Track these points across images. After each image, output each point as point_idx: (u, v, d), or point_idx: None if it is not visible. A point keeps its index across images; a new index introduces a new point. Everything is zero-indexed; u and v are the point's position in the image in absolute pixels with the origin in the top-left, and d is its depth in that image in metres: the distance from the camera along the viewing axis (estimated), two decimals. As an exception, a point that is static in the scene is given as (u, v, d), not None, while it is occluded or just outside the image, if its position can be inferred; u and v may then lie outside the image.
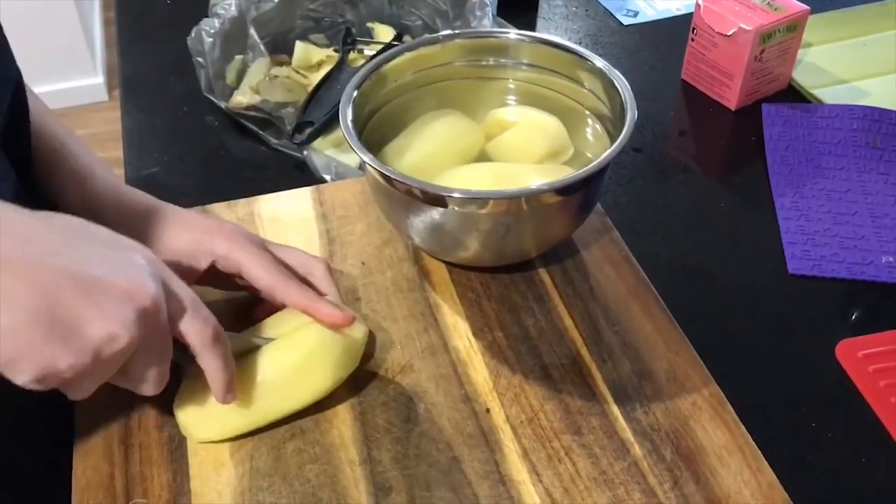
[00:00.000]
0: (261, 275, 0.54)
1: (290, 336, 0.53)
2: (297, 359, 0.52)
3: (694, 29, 0.87)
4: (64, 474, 0.52)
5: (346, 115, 0.60)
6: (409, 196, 0.57)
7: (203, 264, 0.55)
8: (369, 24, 0.92)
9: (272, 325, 0.55)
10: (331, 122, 0.80)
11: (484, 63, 0.69)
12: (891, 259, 0.70)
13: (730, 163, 0.83)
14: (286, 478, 0.51)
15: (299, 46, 0.89)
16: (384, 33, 0.91)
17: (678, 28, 0.96)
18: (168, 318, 0.46)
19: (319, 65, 0.88)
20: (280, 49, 0.90)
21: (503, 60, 0.69)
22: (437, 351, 0.58)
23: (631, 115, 0.59)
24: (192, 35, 0.86)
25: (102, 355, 0.42)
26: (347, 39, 0.89)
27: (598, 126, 0.66)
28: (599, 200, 0.68)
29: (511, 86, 0.70)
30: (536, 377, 0.57)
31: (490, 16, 0.87)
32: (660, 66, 0.94)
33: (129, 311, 0.42)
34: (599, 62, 0.64)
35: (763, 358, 0.63)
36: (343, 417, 0.54)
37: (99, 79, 2.44)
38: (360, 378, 0.55)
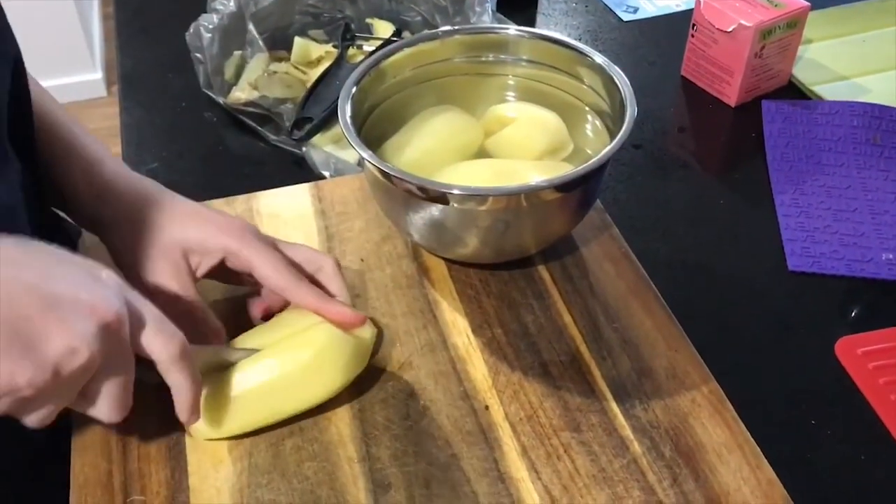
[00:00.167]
0: (271, 274, 0.54)
1: (299, 335, 0.53)
2: (306, 358, 0.52)
3: (694, 25, 0.87)
4: (62, 471, 0.52)
5: (345, 111, 0.60)
6: (408, 193, 0.57)
7: (214, 260, 0.55)
8: (368, 20, 0.92)
9: (279, 325, 0.55)
10: (330, 118, 0.80)
11: (483, 59, 0.69)
12: (891, 256, 0.70)
13: (730, 159, 0.83)
14: (285, 475, 0.51)
15: (298, 42, 0.89)
16: (383, 29, 0.91)
17: (678, 24, 0.96)
18: (133, 334, 0.45)
19: (318, 61, 0.88)
20: (279, 45, 0.90)
21: (503, 56, 0.69)
22: (436, 348, 0.58)
23: (631, 111, 0.59)
24: (191, 31, 0.86)
25: (63, 371, 0.41)
26: (346, 35, 0.89)
27: (597, 122, 0.66)
28: (599, 197, 0.68)
29: (510, 82, 0.70)
30: (535, 374, 0.57)
31: (489, 12, 0.87)
32: (660, 62, 0.94)
33: (90, 325, 0.41)
34: (599, 58, 0.64)
35: (763, 355, 0.63)
36: (342, 415, 0.54)
37: (97, 74, 2.43)
38: (359, 375, 0.55)
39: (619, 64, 0.63)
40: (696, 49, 0.88)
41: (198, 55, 0.85)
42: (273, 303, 0.58)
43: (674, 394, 0.55)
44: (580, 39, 0.94)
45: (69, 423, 0.54)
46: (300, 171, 0.78)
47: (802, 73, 0.89)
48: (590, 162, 0.56)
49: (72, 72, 2.37)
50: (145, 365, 0.46)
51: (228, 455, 0.52)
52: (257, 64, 0.86)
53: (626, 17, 1.00)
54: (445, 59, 0.69)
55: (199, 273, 0.55)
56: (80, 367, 0.41)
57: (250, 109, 0.82)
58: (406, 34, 0.91)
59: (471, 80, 0.70)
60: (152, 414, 0.54)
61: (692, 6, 0.88)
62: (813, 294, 0.68)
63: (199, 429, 0.52)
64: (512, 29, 0.68)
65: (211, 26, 0.86)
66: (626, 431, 0.53)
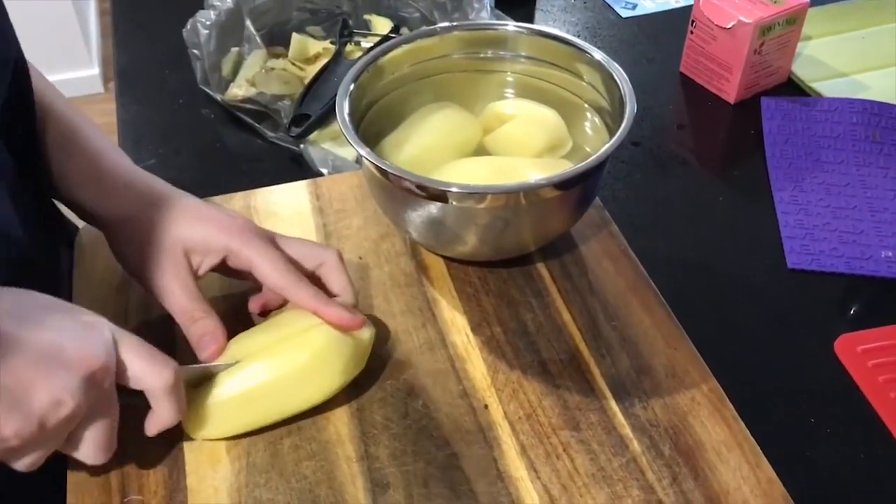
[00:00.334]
0: (270, 274, 0.54)
1: (297, 337, 0.53)
2: (303, 360, 0.52)
3: (693, 22, 0.87)
4: (59, 470, 0.52)
5: (343, 107, 0.60)
6: (406, 190, 0.57)
7: (216, 260, 0.55)
8: (366, 16, 0.91)
9: (277, 325, 0.54)
10: (328, 115, 0.79)
11: (482, 55, 0.69)
12: (890, 254, 0.70)
13: (729, 157, 0.83)
14: (283, 474, 0.51)
15: (296, 38, 0.88)
16: (381, 25, 0.90)
17: (677, 21, 0.96)
18: (122, 371, 0.46)
19: (316, 57, 0.88)
20: (276, 41, 0.89)
21: (501, 53, 0.69)
22: (434, 346, 0.58)
23: (630, 108, 0.59)
24: (188, 27, 0.86)
25: (48, 422, 0.42)
26: (344, 31, 0.89)
27: (596, 119, 0.66)
28: (598, 194, 0.68)
29: (509, 78, 0.70)
30: (535, 372, 0.57)
31: (488, 8, 0.87)
32: (658, 59, 0.93)
33: (75, 377, 0.42)
34: (598, 55, 0.63)
35: (762, 353, 0.63)
36: (340, 414, 0.54)
37: (94, 70, 2.42)
38: (358, 374, 0.55)
39: (617, 61, 0.63)
40: (695, 46, 0.88)
41: (195, 51, 0.85)
42: (271, 300, 0.57)
43: (673, 392, 0.55)
44: (578, 36, 0.94)
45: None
46: (298, 168, 0.78)
47: (802, 70, 0.89)
48: (589, 159, 0.56)
49: (68, 68, 2.36)
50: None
51: (226, 454, 0.52)
52: (255, 60, 0.86)
53: (624, 13, 1.00)
54: (444, 56, 0.68)
55: (201, 272, 0.55)
56: (65, 418, 0.42)
57: (248, 106, 0.81)
58: (404, 31, 0.90)
59: (469, 77, 0.69)
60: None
61: (691, 2, 0.88)
62: (812, 292, 0.67)
63: (198, 430, 0.52)
64: (510, 25, 0.68)
65: (208, 22, 0.85)
66: (626, 430, 0.53)
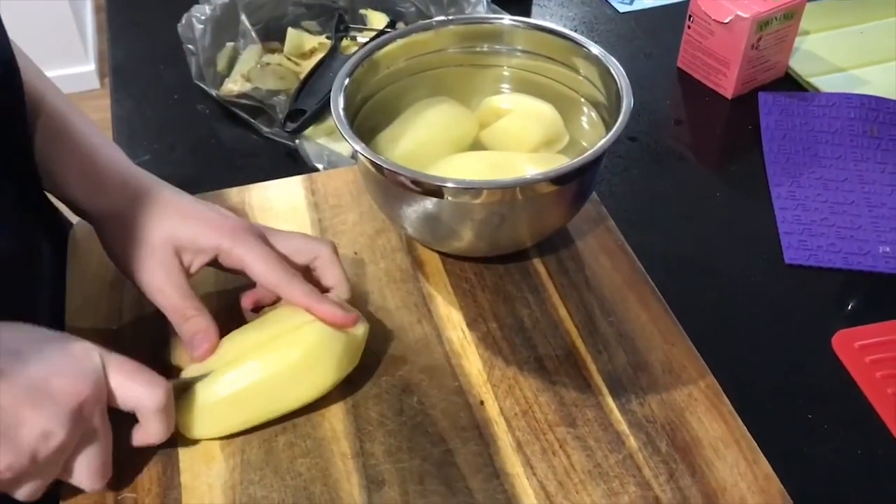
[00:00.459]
0: (263, 272, 0.53)
1: (289, 334, 0.52)
2: (295, 357, 0.51)
3: (690, 16, 0.86)
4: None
5: (338, 102, 0.60)
6: (401, 186, 0.56)
7: (207, 258, 0.54)
8: (362, 11, 0.91)
9: (270, 322, 0.54)
10: (323, 110, 0.79)
11: (478, 50, 0.68)
12: (887, 249, 0.70)
13: (726, 152, 0.83)
14: (278, 471, 0.51)
15: (291, 33, 0.88)
16: (377, 20, 0.90)
17: (674, 15, 0.95)
18: (113, 395, 0.47)
19: (312, 52, 0.87)
20: (272, 36, 0.89)
21: (497, 47, 0.68)
22: (430, 342, 0.58)
23: (627, 102, 0.58)
24: (183, 22, 0.85)
25: (39, 454, 0.43)
26: (340, 26, 0.88)
27: (593, 114, 0.66)
28: (594, 190, 0.67)
29: (505, 73, 0.69)
30: (531, 369, 0.56)
31: (484, 2, 0.87)
32: (656, 53, 0.93)
33: (64, 408, 0.43)
34: (595, 49, 0.63)
35: (759, 349, 0.63)
36: (335, 410, 0.54)
37: (90, 66, 2.42)
38: (353, 370, 0.55)
39: (614, 55, 0.62)
40: (693, 40, 0.87)
41: (190, 46, 0.84)
42: (264, 296, 0.57)
43: (670, 388, 0.55)
44: (575, 30, 0.94)
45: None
46: (293, 163, 0.77)
47: (799, 65, 0.89)
48: (585, 154, 0.56)
49: (65, 64, 2.36)
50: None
51: (220, 452, 0.52)
52: (250, 55, 0.85)
53: (621, 8, 1.00)
54: (439, 50, 0.68)
55: (193, 269, 0.55)
56: (55, 450, 0.43)
57: (243, 101, 0.81)
58: (400, 25, 0.90)
59: (465, 72, 0.69)
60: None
61: (689, -3, 0.88)
62: (810, 287, 0.67)
63: (191, 430, 0.51)
64: (507, 19, 0.67)
65: (203, 17, 0.85)
66: (622, 426, 0.53)
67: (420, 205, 0.57)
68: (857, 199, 0.74)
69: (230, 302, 0.58)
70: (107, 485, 0.49)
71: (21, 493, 0.45)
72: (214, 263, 0.56)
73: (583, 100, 0.66)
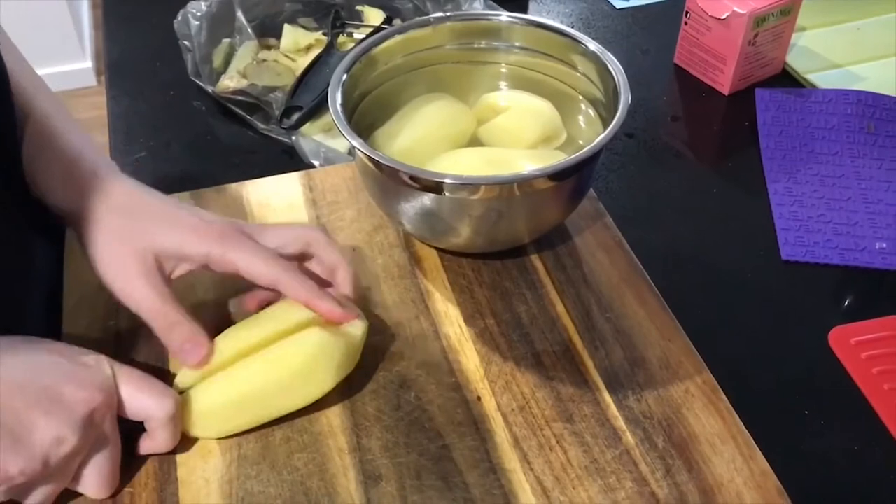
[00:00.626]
0: (260, 272, 0.52)
1: (289, 338, 0.52)
2: (297, 364, 0.51)
3: (687, 13, 0.86)
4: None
5: (336, 98, 0.59)
6: (399, 182, 0.56)
7: (193, 266, 0.53)
8: (359, 7, 0.91)
9: (269, 318, 0.54)
10: (319, 106, 0.79)
11: (476, 46, 0.68)
12: (884, 245, 0.70)
13: (723, 148, 0.83)
14: (274, 466, 0.51)
15: (288, 30, 0.88)
16: (374, 16, 0.90)
17: (671, 12, 0.95)
18: (122, 405, 0.48)
19: (308, 48, 0.87)
20: (268, 32, 0.89)
21: (495, 43, 0.68)
22: (427, 338, 0.58)
23: (625, 99, 0.58)
24: (179, 18, 0.85)
25: (51, 459, 0.44)
26: (336, 23, 0.88)
27: (591, 111, 0.66)
28: (592, 186, 0.67)
29: (503, 69, 0.69)
30: (528, 364, 0.56)
31: (481, -1, 0.86)
32: (652, 50, 0.93)
33: (75, 415, 0.45)
34: (593, 45, 0.63)
35: (756, 345, 0.63)
36: (332, 406, 0.54)
37: (87, 63, 2.41)
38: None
39: (611, 52, 0.62)
40: (690, 37, 0.87)
41: (186, 43, 0.84)
42: (267, 297, 0.56)
43: (667, 384, 0.55)
44: (572, 27, 0.93)
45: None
46: (290, 160, 0.77)
47: (796, 61, 0.89)
48: (583, 150, 0.56)
49: (61, 61, 2.35)
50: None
51: (217, 446, 0.52)
52: (246, 52, 0.85)
53: (618, 4, 1.00)
54: (437, 47, 0.68)
55: (175, 276, 0.54)
56: (67, 455, 0.45)
57: (239, 98, 0.81)
58: (396, 21, 0.90)
59: (463, 68, 0.69)
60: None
61: (685, -7, 0.88)
62: (806, 283, 0.67)
63: (192, 430, 0.51)
64: (504, 15, 0.67)
65: (199, 14, 0.85)
66: (619, 422, 0.53)
67: (418, 201, 0.57)
68: (853, 196, 0.74)
69: (216, 314, 0.58)
70: (115, 492, 0.49)
71: (32, 500, 0.46)
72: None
73: (580, 96, 0.66)
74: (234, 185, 0.69)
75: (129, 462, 0.50)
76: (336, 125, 0.58)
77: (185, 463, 0.51)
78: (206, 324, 0.52)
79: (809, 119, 0.81)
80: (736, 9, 0.81)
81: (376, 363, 0.56)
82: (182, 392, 0.51)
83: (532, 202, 0.58)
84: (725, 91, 0.86)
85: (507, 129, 0.66)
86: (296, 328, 0.52)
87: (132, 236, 0.53)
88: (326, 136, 0.78)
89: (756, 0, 0.81)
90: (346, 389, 0.54)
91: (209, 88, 0.82)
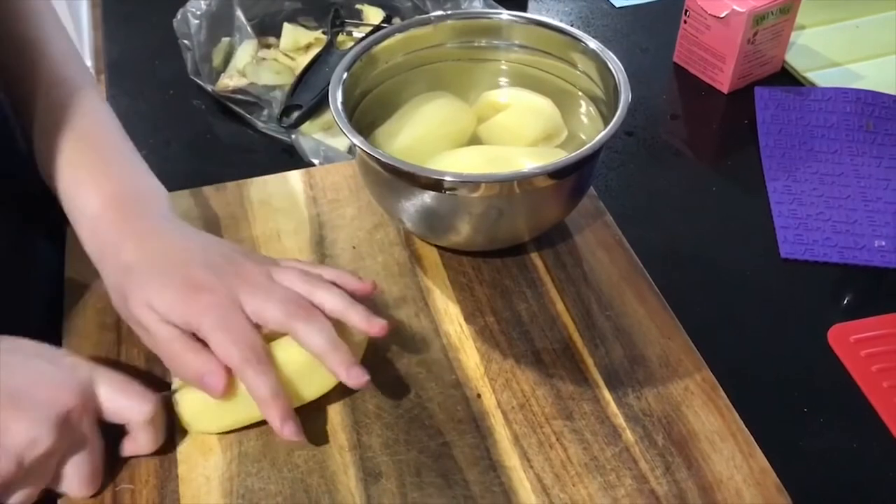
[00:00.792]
0: (229, 355, 0.49)
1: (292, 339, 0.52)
2: (299, 361, 0.51)
3: (686, 11, 0.87)
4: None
5: (336, 97, 0.59)
6: (400, 180, 0.57)
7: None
8: (358, 6, 0.91)
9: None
10: (319, 105, 0.79)
11: (476, 44, 0.68)
12: (883, 243, 0.70)
13: (722, 146, 0.83)
14: (275, 463, 0.51)
15: (287, 29, 0.88)
16: (373, 15, 0.90)
17: (671, 10, 0.95)
18: (101, 408, 0.48)
19: (308, 47, 0.87)
20: (268, 31, 0.89)
21: (495, 42, 0.68)
22: (427, 336, 0.58)
23: (625, 97, 0.59)
24: (178, 17, 0.85)
25: (26, 459, 0.44)
26: (336, 21, 0.88)
27: (591, 108, 0.66)
28: (592, 184, 0.67)
29: (503, 67, 0.69)
30: (528, 362, 0.56)
31: (481, -3, 0.86)
32: (652, 48, 0.93)
33: (49, 416, 0.45)
34: (593, 43, 0.63)
35: (755, 343, 0.63)
36: (332, 403, 0.54)
37: (87, 62, 2.41)
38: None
39: (611, 50, 0.63)
40: (689, 35, 0.87)
41: (185, 42, 0.84)
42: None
43: (666, 382, 0.55)
44: (572, 25, 0.93)
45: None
46: (290, 158, 0.77)
47: (795, 60, 0.89)
48: (583, 148, 0.56)
49: (60, 60, 2.35)
50: None
51: (218, 444, 0.52)
52: (246, 51, 0.85)
53: (618, 2, 1.00)
54: (437, 45, 0.68)
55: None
56: (41, 455, 0.45)
57: (239, 97, 0.81)
58: (396, 20, 0.90)
59: (463, 66, 0.69)
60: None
61: (685, -8, 0.88)
62: (805, 281, 0.67)
63: (193, 425, 0.52)
64: (504, 14, 0.67)
65: (199, 12, 0.85)
66: (619, 420, 0.53)
67: (418, 199, 0.57)
68: (852, 194, 0.74)
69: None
70: (97, 491, 0.49)
71: (13, 501, 0.46)
72: None
73: (580, 94, 0.66)
74: (233, 184, 0.69)
75: (127, 460, 0.51)
76: (337, 123, 0.58)
77: (186, 460, 0.51)
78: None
79: (809, 117, 0.81)
80: (735, 7, 0.81)
81: (376, 361, 0.56)
82: (180, 388, 0.51)
83: (532, 200, 0.58)
84: (725, 89, 0.86)
85: (507, 127, 0.66)
86: None
87: (131, 291, 0.51)
88: (326, 134, 0.78)
89: (755, -1, 0.81)
90: (347, 387, 0.54)
91: (209, 87, 0.82)
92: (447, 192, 0.56)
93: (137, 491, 0.49)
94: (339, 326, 0.51)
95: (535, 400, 0.54)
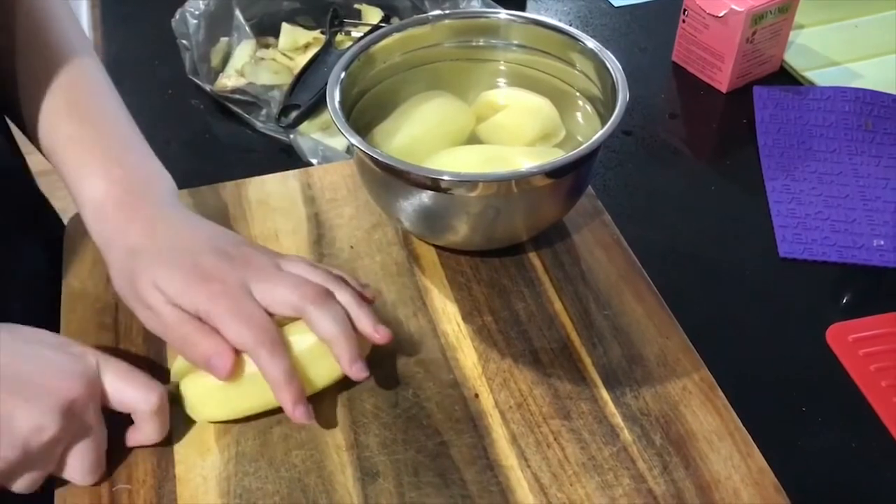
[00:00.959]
0: (239, 336, 0.49)
1: (298, 323, 0.52)
2: (309, 344, 0.51)
3: (685, 10, 0.87)
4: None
5: (334, 96, 0.59)
6: (397, 179, 0.56)
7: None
8: (357, 6, 0.91)
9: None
10: (317, 105, 0.79)
11: (474, 44, 0.68)
12: (882, 242, 0.70)
13: (721, 146, 0.83)
14: (272, 463, 0.51)
15: (286, 28, 0.88)
16: (372, 15, 0.90)
17: (669, 10, 0.95)
18: (107, 396, 0.48)
19: (306, 47, 0.87)
20: (266, 31, 0.89)
21: (493, 41, 0.68)
22: (425, 335, 0.58)
23: (623, 96, 0.58)
24: (177, 17, 0.85)
25: (31, 446, 0.44)
26: (334, 21, 0.88)
27: (589, 108, 0.66)
28: (590, 183, 0.67)
29: (502, 67, 0.69)
30: (526, 362, 0.56)
31: (479, -3, 0.86)
32: (650, 48, 0.93)
33: (55, 404, 0.45)
34: (591, 43, 0.63)
35: (753, 342, 0.63)
36: (330, 402, 0.54)
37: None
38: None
39: (609, 50, 0.62)
40: (687, 35, 0.87)
41: (184, 42, 0.84)
42: None
43: (664, 381, 0.55)
44: (570, 25, 0.93)
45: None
46: (288, 158, 0.77)
47: (794, 59, 0.89)
48: (581, 148, 0.56)
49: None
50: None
51: (215, 444, 0.52)
52: (244, 50, 0.85)
53: (617, 2, 1.00)
54: (435, 45, 0.68)
55: None
56: (47, 442, 0.45)
57: (237, 97, 0.81)
58: (395, 20, 0.90)
59: (461, 66, 0.69)
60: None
61: (683, -9, 0.88)
62: (804, 281, 0.67)
63: (196, 411, 0.51)
64: (503, 13, 0.67)
65: (197, 12, 0.85)
66: (617, 419, 0.53)
67: (416, 198, 0.57)
68: (851, 193, 0.74)
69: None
70: (100, 479, 0.49)
71: (17, 486, 0.46)
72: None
73: (578, 94, 0.66)
74: (232, 184, 0.69)
75: (124, 456, 0.51)
76: (335, 123, 0.58)
77: (184, 460, 0.51)
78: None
79: (807, 117, 0.81)
80: (734, 6, 0.81)
81: (374, 360, 0.56)
82: (184, 376, 0.51)
83: (530, 199, 0.58)
84: (723, 89, 0.86)
85: (505, 127, 0.66)
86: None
87: (138, 273, 0.51)
88: (324, 134, 0.78)
89: (754, -2, 0.81)
90: (344, 386, 0.54)
91: (207, 87, 0.82)
92: (445, 192, 0.56)
93: (135, 491, 0.49)
94: None
95: (532, 399, 0.54)
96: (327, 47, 0.85)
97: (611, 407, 0.54)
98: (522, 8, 1.00)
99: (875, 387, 0.59)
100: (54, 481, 0.49)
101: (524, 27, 0.67)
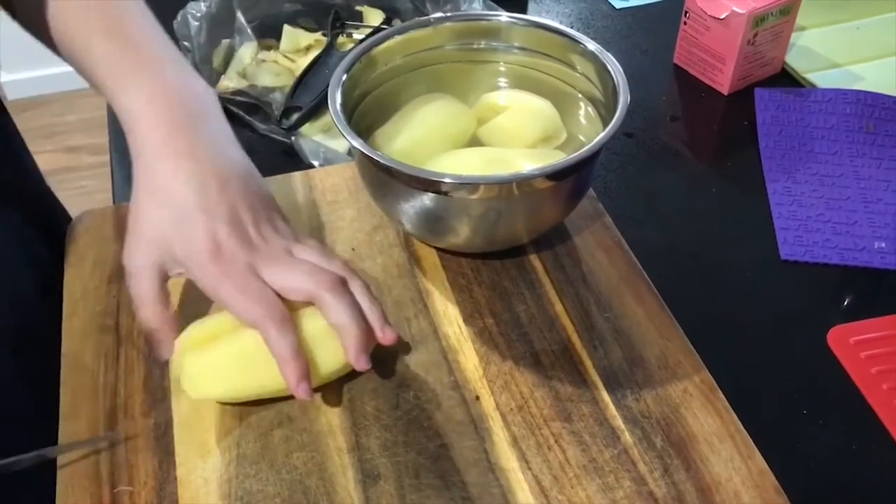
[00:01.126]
0: (244, 311, 0.50)
1: (310, 308, 0.52)
2: (310, 327, 0.51)
3: (686, 12, 0.87)
4: (49, 462, 0.52)
5: (335, 98, 0.60)
6: (399, 181, 0.57)
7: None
8: (358, 8, 0.91)
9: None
10: (319, 107, 0.79)
11: (475, 46, 0.68)
12: (883, 245, 0.70)
13: (722, 148, 0.83)
14: (273, 465, 0.51)
15: (287, 30, 0.88)
16: (373, 17, 0.90)
17: (670, 12, 0.95)
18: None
19: (307, 49, 0.87)
20: (268, 33, 0.89)
21: (495, 44, 0.68)
22: (427, 337, 0.58)
23: (624, 98, 0.59)
24: (178, 19, 0.85)
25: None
26: (336, 23, 0.88)
27: (590, 110, 0.66)
28: (591, 186, 0.67)
29: (503, 69, 0.69)
30: (527, 364, 0.56)
31: (481, -1, 0.87)
32: (652, 50, 0.93)
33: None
34: (592, 45, 0.63)
35: (754, 344, 0.63)
36: (331, 404, 0.54)
37: (88, 64, 2.41)
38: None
39: (610, 52, 0.63)
40: (689, 37, 0.87)
41: (185, 43, 0.84)
42: None
43: (665, 383, 0.55)
44: (572, 27, 0.93)
45: (56, 410, 0.54)
46: (290, 160, 0.77)
47: (796, 61, 0.89)
48: (582, 150, 0.56)
49: (62, 62, 2.35)
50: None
51: (216, 445, 0.52)
52: (246, 52, 0.85)
53: (618, 4, 1.00)
54: (437, 47, 0.68)
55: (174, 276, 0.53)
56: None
57: (239, 98, 0.81)
58: (396, 22, 0.90)
59: (463, 68, 0.69)
60: (139, 401, 0.54)
61: (685, -7, 0.88)
62: (805, 283, 0.67)
63: (194, 387, 0.51)
64: (504, 16, 0.67)
65: (199, 14, 0.85)
66: (618, 421, 0.53)
67: (417, 201, 0.57)
68: (852, 195, 0.74)
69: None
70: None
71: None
72: None
73: (580, 96, 0.66)
74: (233, 185, 0.69)
75: (129, 457, 0.51)
76: (336, 125, 0.58)
77: (185, 462, 0.51)
78: None
79: (809, 119, 0.81)
80: (735, 8, 0.81)
81: (375, 361, 0.56)
82: (190, 347, 0.52)
83: (531, 202, 0.58)
84: (725, 91, 0.86)
85: (506, 129, 0.66)
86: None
87: (158, 233, 0.52)
88: (326, 136, 0.78)
89: (755, 0, 0.81)
90: (346, 388, 0.55)
91: (209, 89, 0.82)
92: (446, 194, 0.56)
93: (136, 493, 0.50)
94: None
95: (533, 402, 0.54)
96: (329, 49, 0.85)
97: (612, 409, 0.54)
98: (524, 10, 1.00)
99: (876, 389, 0.59)
100: (50, 477, 0.49)
101: (525, 29, 0.67)
